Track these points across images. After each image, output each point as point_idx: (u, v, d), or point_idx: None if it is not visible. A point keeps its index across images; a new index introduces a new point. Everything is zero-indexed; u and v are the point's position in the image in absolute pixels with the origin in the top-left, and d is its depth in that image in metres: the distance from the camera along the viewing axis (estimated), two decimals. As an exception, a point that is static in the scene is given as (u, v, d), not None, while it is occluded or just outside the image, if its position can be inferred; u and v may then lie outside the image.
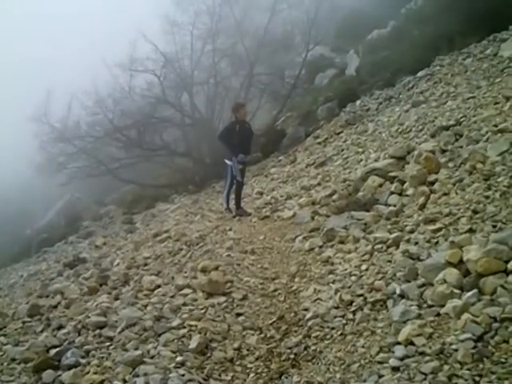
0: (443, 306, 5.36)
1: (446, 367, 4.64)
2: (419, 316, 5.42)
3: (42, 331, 7.33)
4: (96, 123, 21.45)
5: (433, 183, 8.34)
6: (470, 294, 5.25)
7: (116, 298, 7.95)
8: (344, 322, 6.07)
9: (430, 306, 5.50)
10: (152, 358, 6.05)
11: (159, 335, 6.53)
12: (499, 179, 7.14)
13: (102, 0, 46.14)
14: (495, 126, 9.02)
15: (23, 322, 7.83)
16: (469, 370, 4.52)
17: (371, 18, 28.20)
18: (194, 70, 22.17)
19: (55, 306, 8.34)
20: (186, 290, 7.67)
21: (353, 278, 6.86)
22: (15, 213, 31.37)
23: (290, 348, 6.03)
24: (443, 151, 9.22)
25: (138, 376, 5.62)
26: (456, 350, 4.74)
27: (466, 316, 5.01)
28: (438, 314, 5.34)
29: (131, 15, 24.47)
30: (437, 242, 6.61)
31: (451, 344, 4.84)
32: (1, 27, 49.15)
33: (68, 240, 19.55)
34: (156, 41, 21.82)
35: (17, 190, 33.71)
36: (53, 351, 6.33)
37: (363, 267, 7.01)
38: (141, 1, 27.13)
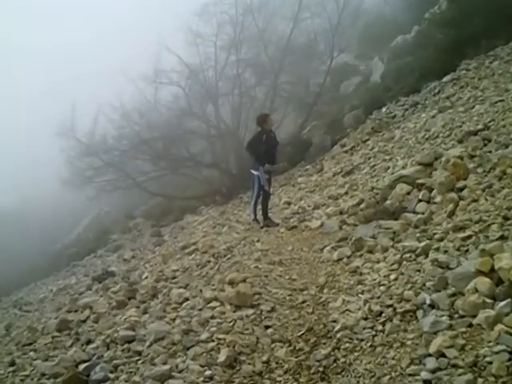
0: (475, 316, 5.23)
1: (479, 380, 4.53)
2: (450, 327, 5.30)
3: (71, 346, 7.39)
4: (122, 137, 21.66)
5: (461, 190, 8.20)
6: (503, 303, 5.12)
7: (144, 312, 7.97)
8: (373, 333, 5.97)
9: (462, 317, 5.38)
10: (180, 372, 6.04)
11: (188, 349, 6.52)
12: (530, 184, 7.01)
13: (125, 15, 46.66)
14: (525, 129, 8.89)
15: (52, 337, 7.89)
16: (504, 383, 4.40)
17: (395, 24, 28.11)
18: (218, 80, 22.30)
19: (84, 321, 8.41)
20: (214, 303, 7.64)
21: (382, 288, 6.76)
22: (45, 227, 31.77)
23: (319, 361, 5.94)
24: (471, 157, 9.08)
25: (166, 390, 5.61)
26: (490, 363, 4.62)
27: (499, 327, 4.89)
28: (470, 325, 5.21)
29: (155, 28, 24.62)
30: (467, 250, 6.48)
31: (485, 356, 4.72)
32: (24, 42, 50.02)
33: (97, 253, 19.75)
34: (180, 53, 22.07)
35: (46, 205, 34.17)
36: (82, 366, 6.38)
37: (392, 277, 6.90)
38: (163, 13, 27.26)
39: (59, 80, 40.29)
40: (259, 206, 12.24)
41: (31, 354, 7.43)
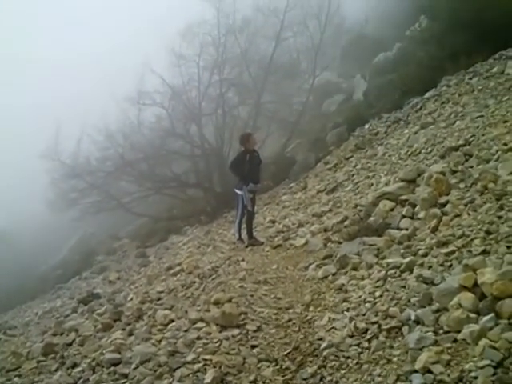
0: (460, 331, 5.25)
1: (465, 395, 4.54)
2: (436, 342, 5.32)
3: (56, 370, 7.33)
4: (106, 158, 21.60)
5: (444, 205, 8.26)
6: (486, 318, 5.14)
7: (130, 334, 7.92)
8: (359, 350, 5.96)
9: (447, 332, 5.39)
10: (167, 394, 5.99)
11: (174, 370, 6.47)
12: (512, 198, 7.06)
13: (110, 36, 46.74)
14: (505, 144, 8.98)
15: (38, 362, 7.84)
16: (489, 397, 4.41)
17: (376, 42, 28.36)
18: (201, 101, 22.35)
19: (70, 344, 8.35)
20: (200, 324, 7.60)
21: (367, 305, 6.76)
22: (29, 250, 31.50)
23: (305, 379, 5.93)
24: (453, 172, 9.15)
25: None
26: (475, 378, 4.64)
27: (483, 341, 4.91)
28: (455, 340, 5.23)
29: (138, 49, 24.70)
30: (450, 266, 6.51)
31: (470, 371, 4.73)
32: (9, 63, 49.94)
33: (82, 276, 19.62)
34: (163, 74, 22.13)
35: (30, 227, 33.91)
36: (67, 391, 6.30)
37: (377, 293, 6.90)
38: (147, 35, 27.38)
39: (44, 99, 40.21)
40: (244, 225, 12.23)
41: (16, 379, 7.36)
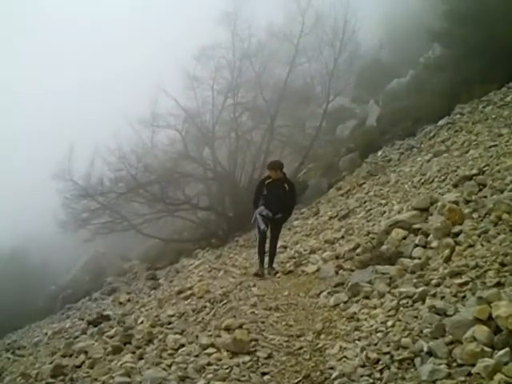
0: (474, 365, 5.16)
1: (479, 431, 4.48)
2: (449, 375, 5.23)
3: (65, 392, 7.27)
4: (119, 179, 21.69)
5: (457, 235, 8.21)
6: (501, 352, 5.05)
7: (140, 358, 7.85)
8: (371, 381, 5.88)
9: (460, 365, 5.30)
10: (177, 420, 5.95)
11: (184, 396, 6.42)
12: (526, 230, 7.03)
13: (123, 58, 47.27)
14: (519, 174, 8.96)
15: (46, 383, 7.77)
16: (503, 434, 4.35)
17: (390, 68, 28.54)
18: (215, 124, 22.47)
19: (79, 366, 8.28)
20: (211, 349, 7.54)
21: (379, 334, 6.70)
22: (40, 269, 31.66)
23: (316, 409, 5.88)
24: (467, 202, 9.12)
25: None
26: (491, 414, 4.57)
27: (498, 376, 4.82)
28: (469, 374, 5.14)
29: (152, 71, 24.92)
30: (464, 297, 6.45)
31: (484, 407, 4.67)
32: (24, 86, 50.73)
33: (92, 296, 19.65)
34: (177, 96, 22.28)
35: (41, 247, 34.09)
36: (76, 414, 6.27)
37: (389, 323, 6.84)
38: (161, 57, 27.65)
39: (59, 122, 40.69)
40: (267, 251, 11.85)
41: (25, 401, 7.34)
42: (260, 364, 7.04)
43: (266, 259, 11.81)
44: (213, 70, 22.66)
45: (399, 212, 11.12)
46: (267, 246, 11.82)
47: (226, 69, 22.85)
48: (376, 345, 6.49)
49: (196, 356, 7.43)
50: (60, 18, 69.65)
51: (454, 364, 5.40)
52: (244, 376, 6.73)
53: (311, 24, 22.66)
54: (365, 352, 6.36)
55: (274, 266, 11.79)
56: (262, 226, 11.56)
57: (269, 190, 11.58)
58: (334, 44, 22.42)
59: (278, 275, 11.23)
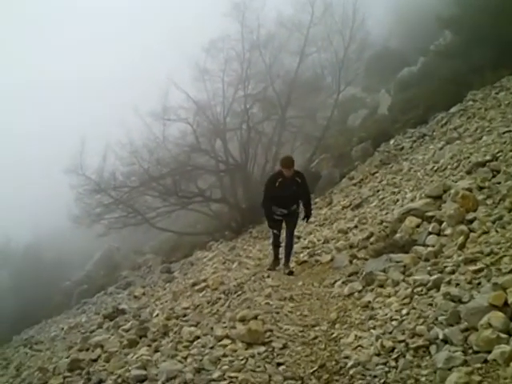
0: (490, 351, 5.13)
1: (496, 418, 4.46)
2: (465, 363, 5.21)
3: (82, 386, 7.31)
4: (131, 173, 21.69)
5: (471, 222, 8.15)
6: (517, 338, 5.04)
7: (156, 351, 7.89)
8: (386, 369, 5.86)
9: (476, 352, 5.28)
10: (193, 412, 5.96)
11: (200, 388, 6.43)
12: (541, 215, 6.97)
13: (133, 51, 47.36)
14: (534, 160, 8.88)
15: (64, 377, 7.81)
16: (520, 420, 4.33)
17: (400, 56, 28.35)
18: (226, 116, 22.39)
19: (95, 360, 8.34)
20: (226, 341, 7.54)
21: (394, 323, 6.68)
22: (54, 265, 31.83)
23: (332, 398, 5.87)
24: (480, 188, 9.05)
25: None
26: (507, 400, 4.55)
27: (515, 363, 4.80)
28: (486, 361, 5.11)
29: (162, 64, 24.90)
30: (479, 283, 6.40)
31: (502, 393, 4.64)
32: (38, 82, 50.99)
33: (107, 291, 19.73)
34: (188, 89, 22.18)
35: (55, 242, 34.28)
36: (93, 407, 6.30)
37: (404, 311, 6.82)
38: (172, 50, 27.60)
39: (71, 116, 40.85)
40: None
41: (43, 395, 7.39)
42: (275, 354, 7.04)
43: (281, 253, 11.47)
44: (222, 62, 22.56)
45: (412, 200, 11.06)
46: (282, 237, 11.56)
47: (235, 60, 22.75)
48: (391, 333, 6.47)
49: (211, 348, 7.44)
50: (70, 6, 69.89)
51: (470, 351, 5.37)
52: (259, 367, 6.73)
53: (320, 13, 22.52)
54: (380, 340, 6.34)
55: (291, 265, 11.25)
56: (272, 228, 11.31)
57: (282, 189, 10.80)
58: (344, 33, 22.28)
59: (291, 276, 10.69)
